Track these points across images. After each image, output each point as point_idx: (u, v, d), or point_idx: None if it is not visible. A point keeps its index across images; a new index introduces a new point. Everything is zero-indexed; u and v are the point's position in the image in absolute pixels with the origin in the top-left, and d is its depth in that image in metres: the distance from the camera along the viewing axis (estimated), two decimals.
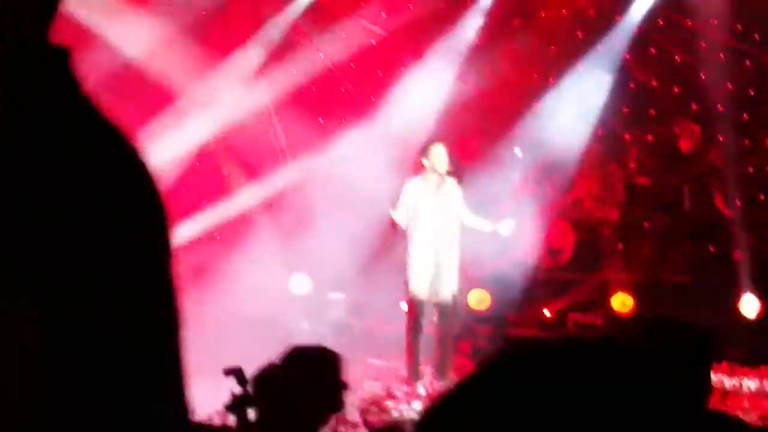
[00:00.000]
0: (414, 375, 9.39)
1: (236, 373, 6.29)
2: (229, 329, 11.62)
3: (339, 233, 12.11)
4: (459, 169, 9.63)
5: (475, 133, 12.87)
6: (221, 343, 10.99)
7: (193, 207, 12.53)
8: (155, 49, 11.92)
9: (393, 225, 9.38)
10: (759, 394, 9.71)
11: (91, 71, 11.78)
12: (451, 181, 9.37)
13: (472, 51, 12.88)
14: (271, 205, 12.62)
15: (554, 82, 12.80)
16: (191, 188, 12.52)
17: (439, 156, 9.33)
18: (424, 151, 9.52)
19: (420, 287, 9.30)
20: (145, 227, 1.69)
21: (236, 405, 6.15)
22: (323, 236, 12.19)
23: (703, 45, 12.22)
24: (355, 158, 12.60)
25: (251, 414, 6.23)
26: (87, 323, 1.61)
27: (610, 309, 11.78)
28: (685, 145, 12.47)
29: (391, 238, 9.61)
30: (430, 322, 9.50)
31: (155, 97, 12.45)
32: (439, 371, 9.31)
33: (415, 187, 9.45)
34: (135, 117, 12.41)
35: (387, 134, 12.31)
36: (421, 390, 9.27)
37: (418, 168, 9.59)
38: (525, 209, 12.82)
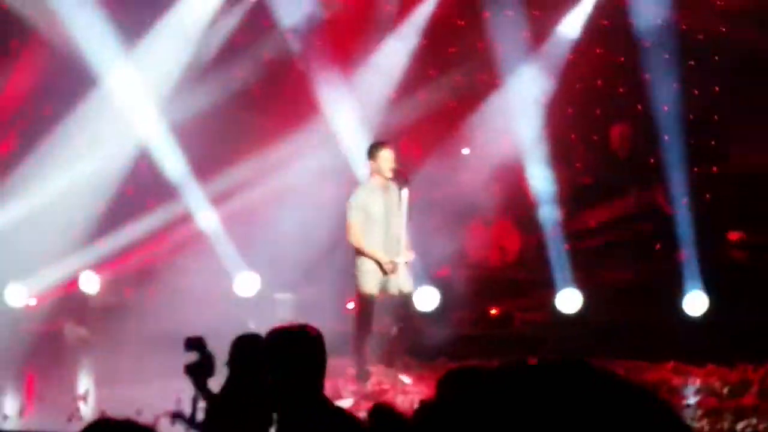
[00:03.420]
0: (362, 374, 9.36)
1: (198, 341, 6.28)
2: (172, 333, 11.48)
3: (285, 234, 12.02)
4: (405, 171, 9.58)
5: (422, 134, 12.81)
6: (165, 345, 10.88)
7: (139, 208, 12.38)
8: None
9: (349, 229, 9.34)
10: (705, 392, 9.74)
11: None
12: (395, 185, 9.34)
13: (418, 52, 12.79)
14: (216, 207, 12.48)
15: (500, 82, 12.77)
16: (137, 189, 12.38)
17: (386, 160, 9.30)
18: (369, 153, 9.46)
19: (371, 287, 9.29)
20: None
21: (196, 368, 6.12)
22: (269, 237, 12.10)
23: (647, 45, 12.28)
24: (299, 160, 12.50)
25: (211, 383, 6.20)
26: None
27: (557, 308, 11.80)
28: (615, 146, 12.64)
29: (338, 239, 9.56)
30: (378, 321, 9.47)
31: None
32: (388, 370, 9.29)
33: (363, 191, 9.43)
34: None
35: (331, 137, 12.22)
36: (369, 389, 9.24)
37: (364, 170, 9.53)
38: (471, 209, 12.82)
